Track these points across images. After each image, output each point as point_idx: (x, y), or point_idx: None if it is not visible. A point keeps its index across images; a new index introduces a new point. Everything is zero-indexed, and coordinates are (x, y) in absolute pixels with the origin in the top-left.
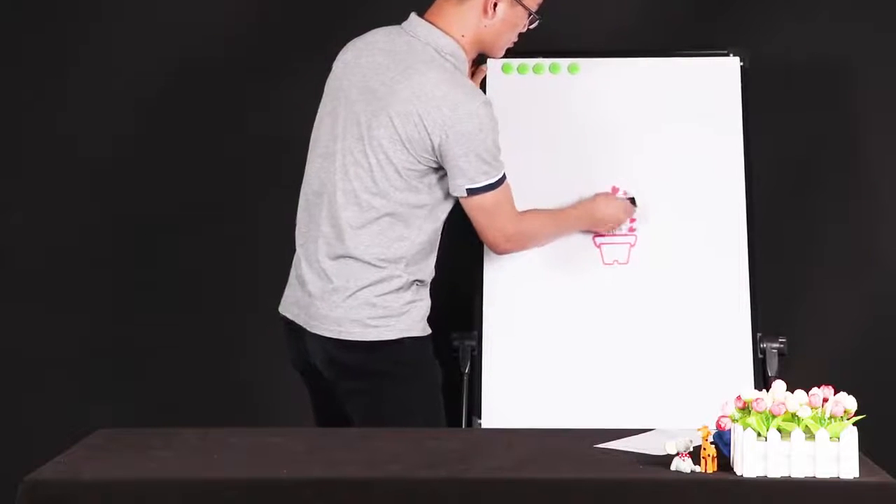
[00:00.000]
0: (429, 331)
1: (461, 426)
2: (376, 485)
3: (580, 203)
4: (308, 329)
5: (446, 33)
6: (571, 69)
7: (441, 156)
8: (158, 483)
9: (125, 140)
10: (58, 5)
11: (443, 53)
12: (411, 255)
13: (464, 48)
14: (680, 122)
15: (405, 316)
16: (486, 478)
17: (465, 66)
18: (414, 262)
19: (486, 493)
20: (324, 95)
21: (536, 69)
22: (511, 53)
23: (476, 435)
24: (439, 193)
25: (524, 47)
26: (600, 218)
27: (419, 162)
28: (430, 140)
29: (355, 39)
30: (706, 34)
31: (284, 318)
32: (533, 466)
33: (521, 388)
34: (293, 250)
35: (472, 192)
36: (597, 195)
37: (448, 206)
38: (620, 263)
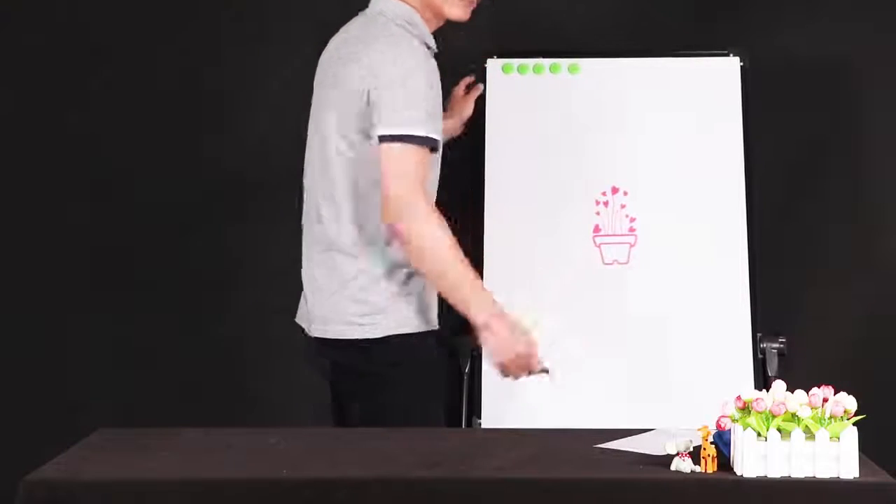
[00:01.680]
0: (426, 327)
1: (461, 426)
2: (376, 485)
3: (493, 299)
4: (307, 330)
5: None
6: (571, 69)
7: (371, 107)
8: (158, 483)
9: (125, 140)
10: (56, 6)
11: (392, 18)
12: (386, 237)
13: (417, 11)
14: (680, 123)
15: (393, 312)
16: (486, 478)
17: (424, 30)
18: (390, 242)
19: (486, 493)
20: None
21: (536, 69)
22: (511, 54)
23: (476, 435)
24: None
25: (524, 47)
26: (483, 323)
27: (361, 133)
28: (367, 95)
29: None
30: (706, 34)
31: (299, 326)
32: (533, 466)
33: (521, 388)
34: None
35: (383, 138)
36: (513, 319)
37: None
38: (620, 263)
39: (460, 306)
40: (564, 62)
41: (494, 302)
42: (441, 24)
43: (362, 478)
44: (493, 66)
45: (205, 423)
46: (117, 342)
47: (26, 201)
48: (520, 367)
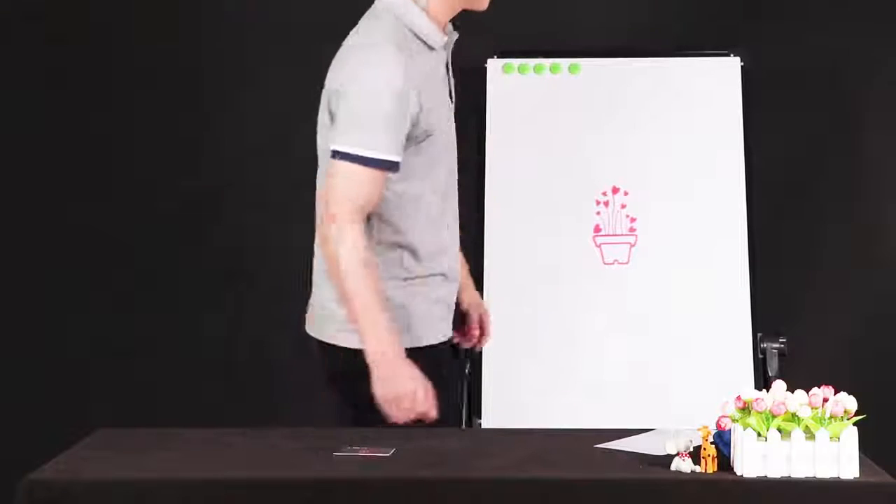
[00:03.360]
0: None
1: (461, 426)
2: (376, 485)
3: (389, 339)
4: None
5: None
6: (572, 69)
7: (332, 119)
8: (158, 483)
9: (126, 139)
10: (52, 6)
11: (387, 15)
12: None
13: (420, 4)
14: (680, 123)
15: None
16: (486, 478)
17: (424, 28)
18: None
19: (486, 493)
20: None
21: (537, 69)
22: (512, 54)
23: (476, 435)
24: None
25: (524, 47)
26: (372, 359)
27: (326, 142)
28: (330, 106)
29: None
30: (706, 34)
31: None
32: (533, 466)
33: (521, 388)
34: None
35: (335, 154)
36: (414, 374)
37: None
38: (620, 263)
39: (360, 334)
40: (564, 62)
41: (392, 342)
42: (454, 14)
43: (362, 478)
44: (494, 66)
45: (204, 423)
46: (117, 342)
47: (26, 201)
48: (399, 409)
